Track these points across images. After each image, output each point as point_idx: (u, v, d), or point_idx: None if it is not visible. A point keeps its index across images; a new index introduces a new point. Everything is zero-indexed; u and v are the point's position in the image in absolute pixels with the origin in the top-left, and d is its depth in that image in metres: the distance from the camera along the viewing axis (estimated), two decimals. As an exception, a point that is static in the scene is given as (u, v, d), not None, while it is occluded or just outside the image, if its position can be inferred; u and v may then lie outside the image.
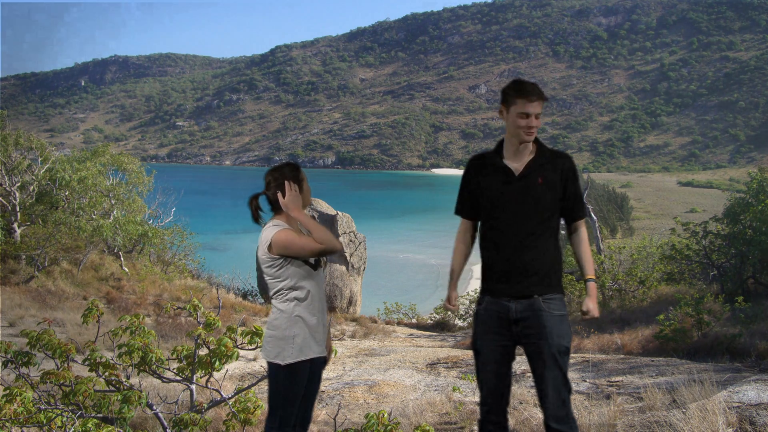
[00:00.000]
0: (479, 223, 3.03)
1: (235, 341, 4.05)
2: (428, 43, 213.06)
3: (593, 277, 2.95)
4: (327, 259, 3.26)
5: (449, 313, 18.44)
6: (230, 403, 4.04)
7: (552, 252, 2.90)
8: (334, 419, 4.25)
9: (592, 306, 2.92)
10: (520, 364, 2.99)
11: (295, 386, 3.03)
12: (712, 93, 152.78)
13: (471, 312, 18.30)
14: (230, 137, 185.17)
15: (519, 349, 2.96)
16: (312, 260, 3.05)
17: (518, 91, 2.82)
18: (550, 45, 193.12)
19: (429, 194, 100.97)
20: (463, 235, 3.10)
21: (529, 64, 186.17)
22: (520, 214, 2.87)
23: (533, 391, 5.61)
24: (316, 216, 17.37)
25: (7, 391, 3.33)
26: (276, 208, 3.15)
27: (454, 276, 3.11)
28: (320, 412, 5.44)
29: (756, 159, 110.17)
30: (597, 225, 21.17)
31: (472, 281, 32.75)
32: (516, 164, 2.92)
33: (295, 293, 3.02)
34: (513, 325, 2.88)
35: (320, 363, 3.17)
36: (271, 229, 3.04)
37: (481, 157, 3.04)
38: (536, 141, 2.96)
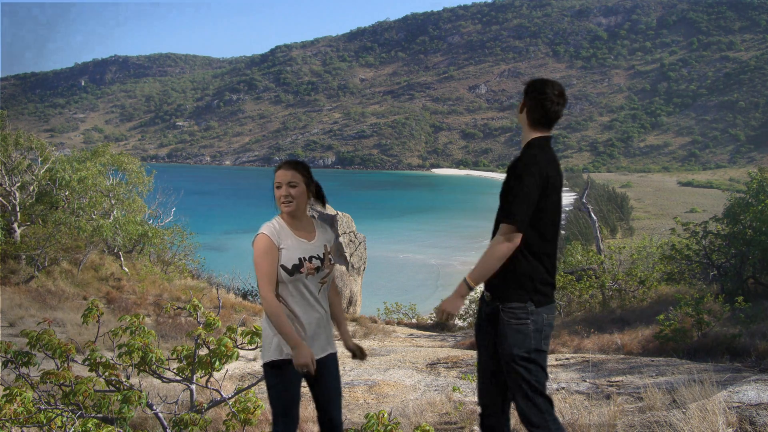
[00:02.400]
0: None
1: (235, 341, 4.05)
2: (428, 43, 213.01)
3: (468, 278, 2.86)
4: (331, 261, 3.21)
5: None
6: (230, 403, 4.04)
7: (514, 259, 2.83)
8: (334, 419, 4.24)
9: (441, 303, 2.93)
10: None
11: (282, 385, 2.98)
12: (712, 93, 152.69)
13: (471, 312, 18.31)
14: (230, 137, 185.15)
15: None
16: (289, 265, 2.99)
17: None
18: (550, 45, 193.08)
19: (429, 194, 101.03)
20: None
21: (529, 64, 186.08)
22: (497, 214, 2.92)
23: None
24: (316, 215, 17.37)
25: (7, 391, 3.33)
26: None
27: None
28: (320, 412, 5.42)
29: (756, 159, 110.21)
30: (597, 225, 21.19)
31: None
32: None
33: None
34: (489, 326, 2.96)
35: (324, 363, 3.09)
36: (262, 227, 3.04)
37: None
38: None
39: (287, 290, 3.01)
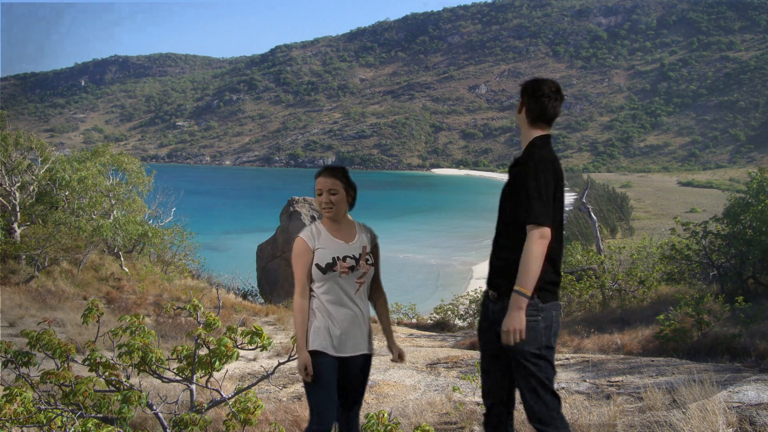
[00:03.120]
0: None
1: (235, 341, 4.05)
2: (428, 43, 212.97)
3: (520, 288, 2.75)
4: (368, 261, 3.26)
5: (449, 312, 18.45)
6: (230, 403, 4.04)
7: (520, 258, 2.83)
8: (334, 419, 4.24)
9: (506, 324, 2.77)
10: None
11: (314, 376, 3.05)
12: (712, 93, 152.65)
13: (471, 312, 18.31)
14: (230, 137, 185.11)
15: None
16: (322, 264, 3.11)
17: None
18: (550, 45, 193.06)
19: (429, 194, 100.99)
20: None
21: (529, 64, 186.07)
22: (499, 210, 2.96)
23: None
24: (316, 216, 17.34)
25: (7, 391, 3.32)
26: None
27: None
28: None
29: (756, 159, 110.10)
30: (597, 225, 21.19)
31: (472, 281, 32.78)
32: None
33: (312, 288, 3.15)
34: (495, 325, 2.93)
35: (353, 362, 3.16)
36: (302, 230, 3.21)
37: None
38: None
39: (323, 288, 3.13)
